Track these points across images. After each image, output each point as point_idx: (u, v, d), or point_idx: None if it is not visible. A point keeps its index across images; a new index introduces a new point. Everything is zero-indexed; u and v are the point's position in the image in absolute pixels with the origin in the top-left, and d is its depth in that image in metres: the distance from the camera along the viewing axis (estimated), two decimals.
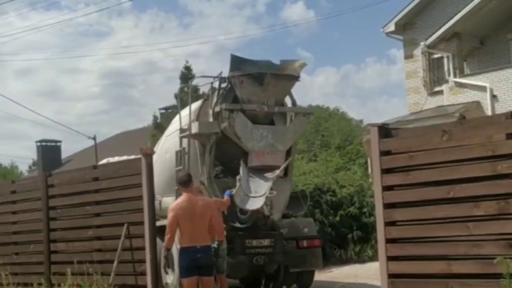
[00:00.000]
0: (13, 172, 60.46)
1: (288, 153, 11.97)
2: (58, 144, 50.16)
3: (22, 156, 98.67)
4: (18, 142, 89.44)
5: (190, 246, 8.42)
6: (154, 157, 13.65)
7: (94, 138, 37.24)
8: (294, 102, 12.23)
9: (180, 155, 11.81)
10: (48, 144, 49.67)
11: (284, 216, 12.31)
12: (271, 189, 11.07)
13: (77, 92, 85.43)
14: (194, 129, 11.46)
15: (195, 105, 12.30)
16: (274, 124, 11.94)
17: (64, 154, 50.37)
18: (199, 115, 11.86)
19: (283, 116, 12.15)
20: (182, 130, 11.88)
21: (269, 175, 11.31)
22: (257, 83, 11.47)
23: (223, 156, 11.76)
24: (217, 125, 11.43)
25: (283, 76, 11.76)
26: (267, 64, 11.97)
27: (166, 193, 12.18)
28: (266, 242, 11.63)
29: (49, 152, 48.88)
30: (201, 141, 11.59)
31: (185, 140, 11.82)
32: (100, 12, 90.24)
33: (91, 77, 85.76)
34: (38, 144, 49.84)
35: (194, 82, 12.81)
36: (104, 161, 15.62)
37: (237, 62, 11.73)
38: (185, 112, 12.33)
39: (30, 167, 61.02)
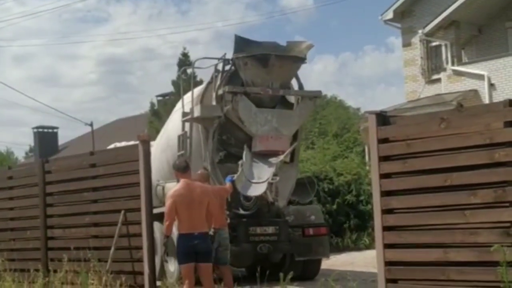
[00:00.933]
0: (9, 158, 60.35)
1: (295, 138, 11.65)
2: (55, 130, 50.19)
3: (19, 143, 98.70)
4: (15, 129, 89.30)
5: (188, 233, 8.41)
6: (157, 141, 13.53)
7: (91, 125, 37.20)
8: (300, 85, 11.81)
9: (182, 140, 11.53)
10: (45, 130, 49.68)
11: (291, 203, 12.00)
12: (275, 174, 10.78)
13: (75, 79, 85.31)
14: (196, 112, 11.17)
15: (199, 89, 11.98)
16: (281, 108, 11.54)
17: (61, 141, 50.45)
18: (203, 99, 11.51)
19: (290, 99, 11.72)
20: (184, 114, 11.57)
21: (273, 160, 11.00)
22: (261, 65, 11.08)
23: (227, 140, 11.48)
24: (219, 109, 11.10)
25: (288, 57, 11.33)
26: (273, 45, 11.58)
27: (169, 178, 11.97)
28: (270, 229, 11.33)
29: (46, 139, 48.90)
30: (204, 125, 11.29)
31: (187, 124, 11.53)
32: None
33: (89, 63, 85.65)
34: (35, 130, 49.84)
35: (197, 64, 12.35)
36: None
37: (241, 44, 11.35)
38: (188, 95, 11.99)
39: (26, 153, 61.04)
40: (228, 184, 10.33)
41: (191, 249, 8.43)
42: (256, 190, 10.71)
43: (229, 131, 11.36)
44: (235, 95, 10.97)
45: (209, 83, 11.65)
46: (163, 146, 12.93)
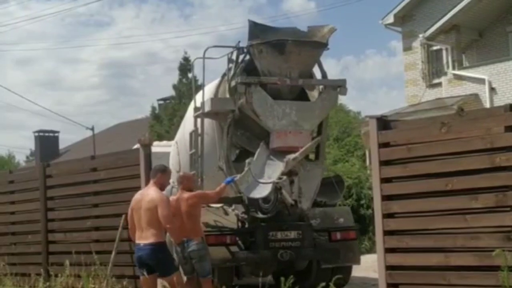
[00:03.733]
0: (10, 162, 60.38)
1: (319, 132, 10.62)
2: (56, 134, 50.19)
3: (20, 146, 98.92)
4: (16, 132, 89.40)
5: (136, 243, 8.13)
6: (175, 141, 12.98)
7: (92, 129, 37.19)
8: (324, 74, 10.58)
9: (194, 137, 10.67)
10: (46, 134, 49.69)
11: (318, 204, 10.95)
12: (294, 174, 9.87)
13: (77, 83, 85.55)
14: (207, 107, 10.29)
15: (214, 82, 11.19)
16: (304, 100, 10.45)
17: (62, 145, 50.46)
18: (217, 92, 10.65)
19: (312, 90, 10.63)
20: (196, 109, 10.66)
21: (286, 157, 9.89)
22: (278, 53, 9.95)
23: (243, 137, 10.64)
24: (232, 102, 10.13)
25: (307, 43, 10.14)
26: (292, 31, 10.45)
27: None
28: (292, 234, 10.24)
29: (46, 143, 48.89)
30: (217, 120, 10.53)
31: (199, 120, 10.64)
32: (101, 2, 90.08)
33: (91, 67, 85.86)
34: (36, 134, 49.84)
35: (210, 54, 10.86)
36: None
37: (255, 30, 10.23)
38: (207, 90, 11.05)
39: (27, 157, 61.00)
40: (219, 187, 9.19)
41: (138, 260, 8.12)
42: (261, 191, 9.86)
43: (245, 126, 10.45)
44: (249, 86, 9.91)
45: (224, 75, 10.67)
46: (179, 146, 12.36)
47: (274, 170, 9.93)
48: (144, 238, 7.98)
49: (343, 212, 11.38)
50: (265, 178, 9.87)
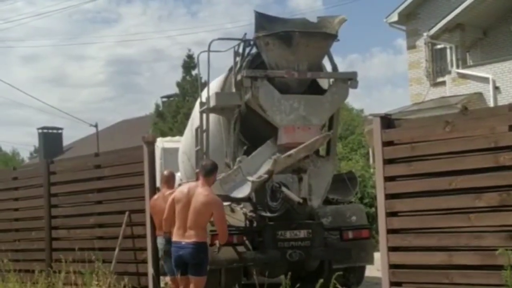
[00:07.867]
0: (14, 158, 60.54)
1: (330, 127, 10.34)
2: (60, 131, 50.31)
3: (24, 143, 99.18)
4: (21, 129, 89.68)
5: (176, 241, 8.05)
6: (183, 137, 12.86)
7: (96, 126, 37.21)
8: (334, 67, 10.26)
9: (200, 133, 10.42)
10: (50, 131, 49.83)
11: (330, 202, 10.72)
12: (303, 170, 9.67)
13: (83, 79, 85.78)
14: (212, 101, 10.01)
15: (221, 76, 11.02)
16: (312, 94, 10.09)
17: (66, 141, 50.57)
18: (224, 86, 10.44)
19: (323, 83, 10.38)
20: (201, 104, 10.45)
21: (281, 154, 9.54)
22: (285, 45, 9.59)
23: (251, 133, 10.31)
24: (238, 96, 9.85)
25: (315, 34, 9.76)
26: (302, 22, 10.11)
27: (192, 177, 10.95)
28: (302, 233, 10.04)
29: (50, 139, 49.04)
30: (224, 116, 10.23)
31: (205, 116, 10.40)
32: None
33: (97, 64, 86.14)
34: (40, 131, 49.95)
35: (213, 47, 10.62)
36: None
37: (262, 21, 9.89)
38: (213, 84, 10.90)
39: (31, 154, 61.17)
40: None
41: (179, 260, 8.01)
42: (244, 191, 9.60)
43: (252, 122, 10.12)
44: (255, 80, 9.60)
45: (231, 69, 10.40)
46: (186, 142, 12.33)
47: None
48: (187, 237, 7.80)
49: (356, 210, 11.10)
50: (257, 176, 9.60)
